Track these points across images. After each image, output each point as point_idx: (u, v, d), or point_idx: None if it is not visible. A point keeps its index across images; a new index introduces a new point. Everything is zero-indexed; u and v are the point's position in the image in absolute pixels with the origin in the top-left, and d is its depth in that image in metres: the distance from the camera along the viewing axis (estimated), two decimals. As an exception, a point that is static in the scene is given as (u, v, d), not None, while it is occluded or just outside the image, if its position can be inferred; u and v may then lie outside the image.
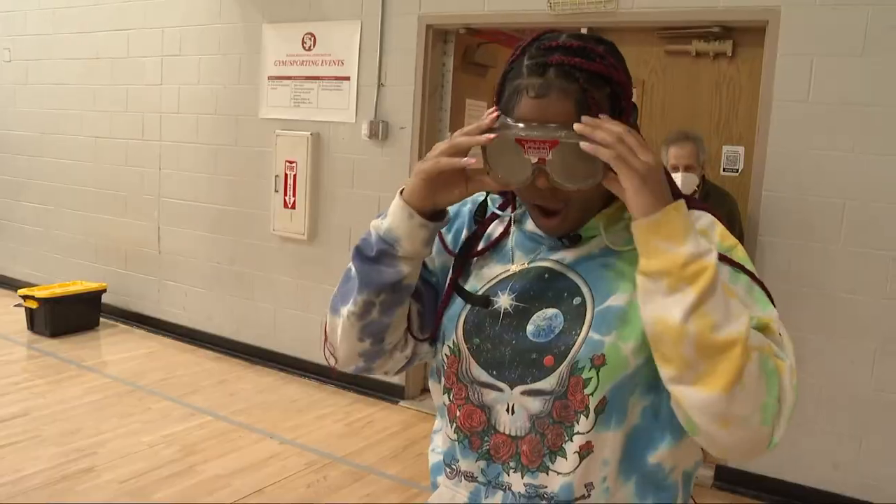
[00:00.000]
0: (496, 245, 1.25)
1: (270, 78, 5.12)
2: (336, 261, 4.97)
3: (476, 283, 1.23)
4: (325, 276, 5.02)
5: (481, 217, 1.28)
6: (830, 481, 3.60)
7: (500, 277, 1.21)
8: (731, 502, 3.69)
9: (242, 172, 5.34)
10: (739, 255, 1.15)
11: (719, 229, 1.17)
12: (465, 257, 1.26)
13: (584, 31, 4.09)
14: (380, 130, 4.67)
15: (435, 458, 1.29)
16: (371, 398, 4.77)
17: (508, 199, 1.28)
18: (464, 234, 1.29)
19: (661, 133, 3.89)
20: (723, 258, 1.11)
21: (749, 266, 1.15)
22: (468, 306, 1.21)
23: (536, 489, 1.14)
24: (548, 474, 1.13)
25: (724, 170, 3.88)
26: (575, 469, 1.12)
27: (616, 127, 1.03)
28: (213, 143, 5.47)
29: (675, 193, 1.14)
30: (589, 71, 1.07)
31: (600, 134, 1.03)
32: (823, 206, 3.53)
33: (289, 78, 5.03)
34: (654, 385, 1.11)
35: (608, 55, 1.11)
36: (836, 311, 3.54)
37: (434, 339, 1.28)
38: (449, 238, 1.31)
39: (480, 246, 1.27)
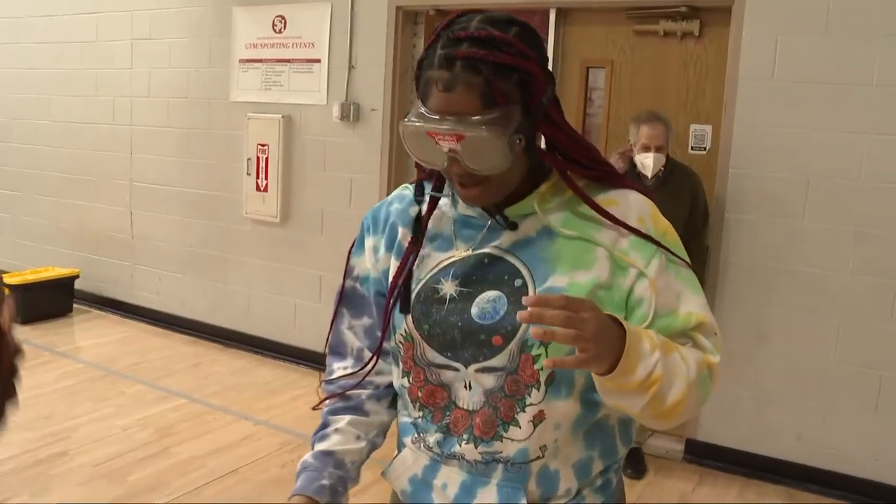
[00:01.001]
0: (436, 234, 1.29)
1: (241, 61, 5.10)
2: (309, 243, 4.98)
3: (419, 273, 1.27)
4: (299, 259, 5.03)
5: (421, 196, 1.31)
6: (796, 452, 3.67)
7: (443, 265, 1.26)
8: (700, 475, 3.76)
9: (214, 156, 5.32)
10: (671, 240, 1.23)
11: (652, 212, 1.23)
12: (412, 251, 1.28)
13: (551, 12, 4.13)
14: (351, 112, 4.67)
15: (402, 419, 1.34)
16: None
17: (437, 180, 1.32)
18: (399, 231, 1.32)
19: (630, 111, 3.92)
20: (658, 244, 1.20)
21: (681, 252, 1.23)
22: (413, 295, 1.26)
23: (493, 455, 1.22)
24: (502, 441, 1.21)
25: (692, 148, 3.92)
26: (529, 436, 1.20)
27: (556, 298, 1.01)
28: (184, 126, 5.44)
29: (621, 184, 1.24)
30: (494, 63, 1.10)
31: (548, 317, 1.00)
32: (788, 183, 3.58)
33: (260, 61, 5.02)
34: None
35: (518, 41, 1.13)
36: (800, 286, 3.60)
37: (378, 354, 1.34)
38: (382, 243, 1.34)
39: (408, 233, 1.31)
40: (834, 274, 3.54)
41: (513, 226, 1.23)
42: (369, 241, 1.37)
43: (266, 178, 5.04)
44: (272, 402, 4.44)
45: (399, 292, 1.27)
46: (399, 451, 1.34)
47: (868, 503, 3.53)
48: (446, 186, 1.30)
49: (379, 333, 1.35)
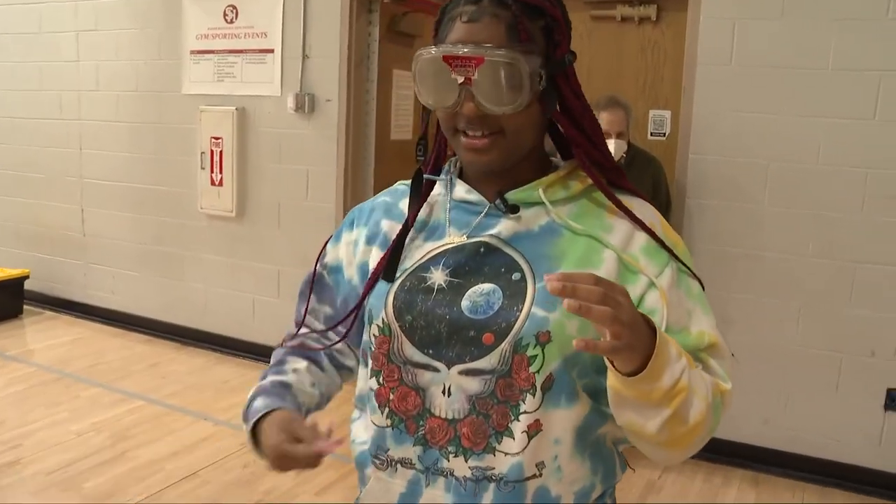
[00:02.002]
0: (427, 222, 1.19)
1: (192, 52, 4.97)
2: (265, 237, 4.88)
3: (406, 262, 1.16)
4: (256, 254, 4.93)
5: (418, 188, 1.22)
6: (760, 436, 3.69)
7: (434, 252, 1.15)
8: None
9: (167, 150, 5.19)
10: (682, 251, 1.15)
11: (664, 224, 1.16)
12: (400, 239, 1.19)
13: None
14: (306, 103, 4.57)
15: (359, 448, 1.21)
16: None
17: (432, 166, 1.24)
18: (384, 224, 1.23)
19: (589, 97, 3.84)
20: (671, 254, 1.13)
21: (690, 263, 1.16)
22: (397, 284, 1.14)
23: (483, 471, 1.09)
24: (494, 455, 1.08)
25: (651, 134, 3.90)
26: (524, 449, 1.07)
27: (586, 276, 0.90)
28: (135, 120, 5.29)
29: (610, 167, 1.17)
30: (523, 2, 1.06)
31: (583, 291, 0.88)
32: (748, 168, 3.58)
33: (211, 52, 4.89)
34: (594, 366, 1.09)
35: None
36: (762, 271, 3.60)
37: (349, 331, 1.24)
38: (363, 236, 1.26)
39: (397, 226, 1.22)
40: (794, 258, 3.55)
41: (514, 209, 1.13)
42: (350, 235, 1.28)
43: (221, 172, 4.92)
44: (232, 400, 4.35)
45: (379, 273, 1.17)
46: (362, 483, 1.21)
47: (831, 483, 3.56)
48: (443, 171, 1.22)
49: (340, 328, 1.25)
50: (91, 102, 5.47)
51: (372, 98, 4.64)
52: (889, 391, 3.46)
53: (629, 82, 3.94)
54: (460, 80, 1.05)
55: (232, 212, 4.93)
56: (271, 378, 1.26)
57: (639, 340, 0.93)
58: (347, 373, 1.33)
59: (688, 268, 1.14)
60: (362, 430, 1.21)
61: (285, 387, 1.23)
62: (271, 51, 4.67)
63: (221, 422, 4.05)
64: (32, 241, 5.95)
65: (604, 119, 3.51)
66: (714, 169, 3.64)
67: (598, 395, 1.10)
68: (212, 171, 4.96)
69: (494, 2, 1.06)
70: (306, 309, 1.31)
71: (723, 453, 3.72)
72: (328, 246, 1.31)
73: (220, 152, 4.90)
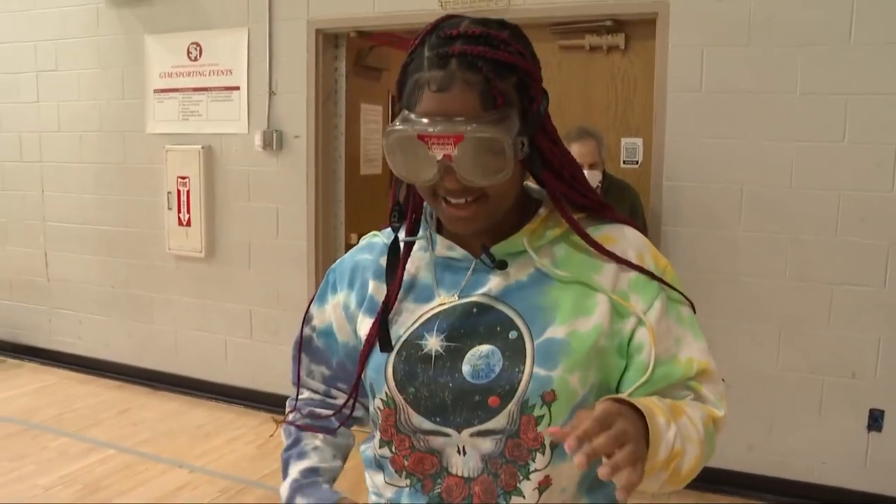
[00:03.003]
0: (413, 283, 1.16)
1: (156, 91, 4.90)
2: (236, 277, 4.79)
3: (399, 329, 1.14)
4: (226, 294, 4.84)
5: (395, 254, 1.18)
6: (745, 462, 3.67)
7: (426, 317, 1.12)
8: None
9: (132, 191, 5.09)
10: (670, 277, 1.14)
11: (652, 251, 1.15)
12: (387, 306, 1.15)
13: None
14: (273, 140, 4.52)
15: (374, 498, 1.22)
16: (282, 415, 4.59)
17: (409, 225, 1.19)
18: (370, 285, 1.20)
19: (560, 127, 3.82)
20: (661, 282, 1.12)
21: (681, 286, 1.14)
22: (393, 354, 1.12)
23: None
24: None
25: (623, 162, 3.90)
26: (535, 502, 1.08)
27: (591, 428, 0.88)
28: (99, 161, 5.20)
29: (615, 217, 1.17)
30: (493, 60, 1.00)
31: (600, 446, 0.87)
32: (722, 193, 3.59)
33: (176, 90, 4.82)
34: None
35: (513, 41, 1.04)
36: (740, 295, 3.60)
37: (353, 392, 1.22)
38: (353, 299, 1.22)
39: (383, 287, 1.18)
40: (771, 282, 3.55)
41: (501, 265, 1.10)
42: (337, 298, 1.25)
43: (188, 212, 4.84)
44: (207, 446, 4.24)
45: (373, 344, 1.15)
46: None
47: (818, 508, 3.55)
48: (421, 229, 1.18)
49: (340, 385, 1.26)
50: (52, 143, 5.37)
51: (341, 133, 4.60)
52: (871, 412, 3.46)
53: (600, 111, 3.94)
54: (439, 157, 1.00)
55: (201, 252, 4.84)
56: (297, 466, 1.25)
57: (642, 441, 0.93)
58: (358, 423, 1.32)
59: (679, 292, 1.13)
60: (379, 485, 1.21)
61: (315, 472, 1.24)
62: (237, 88, 4.62)
63: (197, 468, 3.94)
64: (-6, 288, 5.80)
65: (575, 151, 3.49)
66: (688, 195, 3.64)
67: None
68: (179, 211, 4.87)
69: (463, 65, 0.99)
70: (299, 371, 1.30)
71: (709, 481, 3.69)
72: (312, 308, 1.29)
73: (188, 191, 4.82)
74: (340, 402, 1.27)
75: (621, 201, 3.56)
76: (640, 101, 3.84)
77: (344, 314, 1.23)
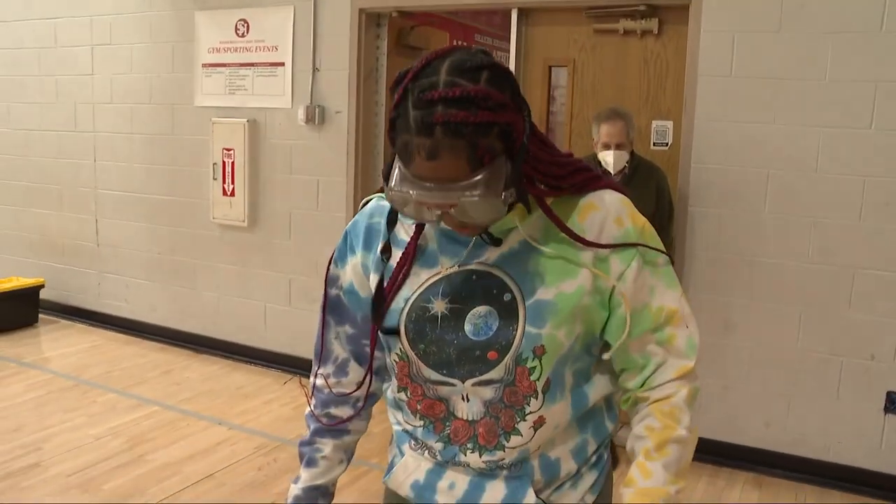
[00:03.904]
0: (419, 251, 1.29)
1: (205, 66, 5.09)
2: (277, 247, 4.98)
3: (407, 291, 1.28)
4: (267, 263, 5.03)
5: (393, 226, 1.33)
6: (763, 439, 3.77)
7: (430, 282, 1.27)
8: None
9: (180, 161, 5.30)
10: (648, 234, 1.27)
11: (630, 211, 1.27)
12: (396, 276, 1.29)
13: (513, 12, 4.18)
14: (316, 115, 4.68)
15: (397, 427, 1.40)
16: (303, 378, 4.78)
17: None
18: (380, 245, 1.33)
19: (592, 110, 3.99)
20: (637, 245, 1.24)
21: (659, 245, 1.28)
22: (404, 315, 1.27)
23: (496, 463, 1.28)
24: (504, 451, 1.27)
25: (653, 144, 3.99)
26: (531, 440, 1.26)
27: None
28: (148, 132, 5.41)
29: (598, 185, 1.27)
30: (475, 124, 1.07)
31: None
32: (748, 176, 3.67)
33: (223, 65, 5.01)
34: (579, 354, 1.27)
35: (491, 88, 1.09)
36: (763, 277, 3.69)
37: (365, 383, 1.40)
38: (370, 259, 1.35)
39: (398, 252, 1.31)
40: (794, 264, 3.64)
41: (497, 242, 1.24)
42: (356, 258, 1.37)
43: (233, 183, 5.03)
44: (245, 406, 4.45)
45: (381, 311, 1.30)
46: (398, 457, 1.39)
47: (833, 485, 3.64)
48: None
49: (363, 341, 1.41)
50: (105, 114, 5.59)
51: (381, 110, 4.75)
52: (889, 394, 3.54)
53: (632, 94, 4.03)
54: (438, 212, 1.14)
55: (244, 221, 5.03)
56: (306, 473, 1.45)
57: None
58: (372, 402, 1.49)
59: (656, 249, 1.27)
60: (401, 419, 1.39)
61: (316, 490, 1.45)
62: (282, 64, 4.79)
63: (236, 426, 4.14)
64: (47, 251, 6.07)
65: (603, 131, 3.59)
66: (715, 178, 3.73)
67: (585, 374, 1.30)
68: (224, 182, 5.06)
69: (448, 132, 1.06)
70: (323, 333, 1.45)
71: (726, 456, 3.80)
72: (334, 270, 1.41)
73: (232, 163, 5.01)
74: (357, 387, 1.42)
75: (648, 182, 3.66)
76: (672, 84, 3.93)
77: (363, 272, 1.36)
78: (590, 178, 1.28)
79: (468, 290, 1.24)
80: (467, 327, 1.24)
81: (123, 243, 5.67)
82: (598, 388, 1.31)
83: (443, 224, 1.21)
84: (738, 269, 3.73)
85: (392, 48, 4.76)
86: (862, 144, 3.46)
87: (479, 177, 1.08)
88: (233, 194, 5.04)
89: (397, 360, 1.31)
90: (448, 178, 1.09)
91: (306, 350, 4.87)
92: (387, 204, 1.34)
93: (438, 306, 1.25)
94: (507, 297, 1.22)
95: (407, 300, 1.28)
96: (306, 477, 1.45)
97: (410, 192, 1.11)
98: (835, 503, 3.54)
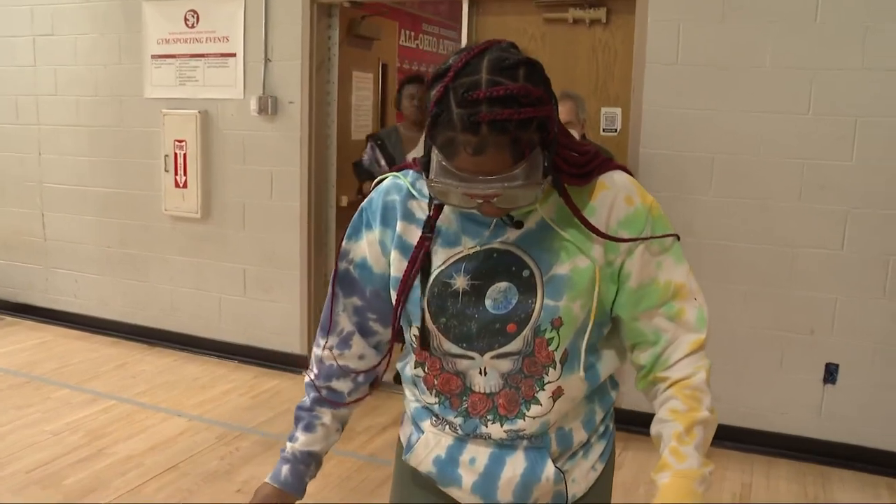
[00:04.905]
0: (441, 230, 1.34)
1: (154, 57, 5.04)
2: (231, 237, 4.98)
3: (431, 268, 1.33)
4: (221, 254, 5.02)
5: (417, 194, 1.36)
6: (711, 413, 3.91)
7: (453, 260, 1.32)
8: (626, 441, 3.95)
9: (129, 153, 5.25)
10: (656, 213, 1.34)
11: (639, 191, 1.34)
12: (421, 248, 1.34)
13: (464, 2, 4.24)
14: (269, 105, 4.69)
15: (415, 405, 1.45)
16: (274, 370, 4.82)
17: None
18: (399, 226, 1.36)
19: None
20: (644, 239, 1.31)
21: (668, 224, 1.35)
22: (427, 290, 1.32)
23: (516, 433, 1.34)
24: (525, 420, 1.32)
25: (603, 130, 4.11)
26: (550, 410, 1.32)
27: None
28: (95, 124, 5.34)
29: (608, 167, 1.33)
30: (518, 120, 1.13)
31: None
32: (694, 160, 3.81)
33: (173, 56, 4.97)
34: (592, 328, 1.32)
35: (531, 86, 1.15)
36: (710, 257, 3.83)
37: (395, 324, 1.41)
38: (388, 236, 1.38)
39: (417, 229, 1.36)
40: (740, 244, 3.79)
41: (519, 225, 1.30)
42: (373, 234, 1.40)
43: (185, 175, 5.00)
44: (203, 397, 4.44)
45: (410, 285, 1.33)
46: (416, 434, 1.44)
47: (780, 454, 3.82)
48: None
49: (369, 315, 1.44)
50: (49, 107, 5.50)
51: (333, 99, 4.78)
52: (827, 365, 3.72)
53: (582, 81, 4.14)
54: (480, 199, 1.20)
55: (197, 213, 5.01)
56: (303, 437, 1.49)
57: None
58: (373, 375, 1.53)
59: (661, 236, 1.34)
60: (416, 399, 1.45)
61: (312, 456, 1.49)
62: (233, 55, 4.77)
63: (195, 417, 4.14)
64: (-9, 247, 5.94)
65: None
66: (662, 162, 3.86)
67: (593, 348, 1.35)
68: (176, 174, 5.03)
69: (494, 129, 1.12)
70: (332, 305, 1.46)
71: (677, 430, 3.94)
72: (346, 244, 1.45)
73: (184, 155, 4.98)
74: (359, 361, 1.48)
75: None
76: (620, 72, 4.04)
77: (380, 249, 1.40)
78: (601, 161, 1.34)
79: (489, 267, 1.30)
80: (487, 302, 1.29)
81: (72, 237, 5.59)
82: (607, 363, 1.38)
83: (481, 210, 1.24)
84: (686, 250, 3.81)
85: (343, 38, 4.79)
86: (800, 129, 3.62)
87: (520, 168, 1.15)
88: (185, 186, 5.02)
89: (418, 333, 1.35)
90: (492, 171, 1.15)
91: (261, 339, 4.90)
92: (402, 182, 1.38)
93: (460, 282, 1.31)
94: (525, 273, 1.29)
95: (430, 276, 1.33)
96: (304, 440, 1.48)
97: (455, 183, 1.16)
98: (782, 471, 3.71)
